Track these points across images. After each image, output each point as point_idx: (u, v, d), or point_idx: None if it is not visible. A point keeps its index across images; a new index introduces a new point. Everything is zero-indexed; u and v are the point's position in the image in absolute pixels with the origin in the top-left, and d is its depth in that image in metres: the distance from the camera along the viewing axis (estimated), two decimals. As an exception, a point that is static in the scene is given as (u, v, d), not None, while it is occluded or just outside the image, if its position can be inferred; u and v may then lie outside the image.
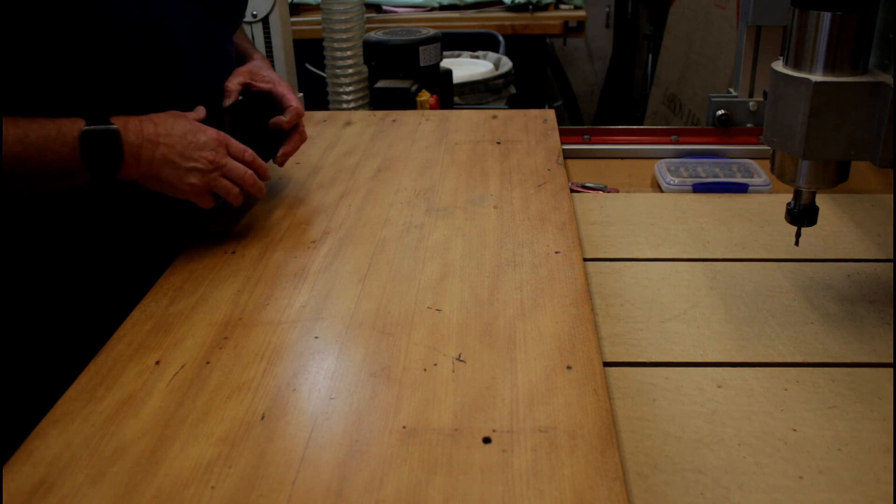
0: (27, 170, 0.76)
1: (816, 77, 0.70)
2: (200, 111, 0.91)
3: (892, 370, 0.73)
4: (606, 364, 0.75)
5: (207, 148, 0.85)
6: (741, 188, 1.13)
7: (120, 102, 0.85)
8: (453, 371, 0.68)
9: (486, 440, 0.59)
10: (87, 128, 0.78)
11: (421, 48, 1.55)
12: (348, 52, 1.62)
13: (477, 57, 2.07)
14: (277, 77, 1.04)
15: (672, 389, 0.71)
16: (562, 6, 2.76)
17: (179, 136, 0.84)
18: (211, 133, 0.86)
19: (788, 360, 0.75)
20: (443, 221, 0.96)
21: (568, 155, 1.31)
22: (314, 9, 2.65)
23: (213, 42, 0.97)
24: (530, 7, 2.64)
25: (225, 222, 0.98)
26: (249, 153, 0.90)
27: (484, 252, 0.88)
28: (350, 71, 1.63)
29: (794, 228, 0.83)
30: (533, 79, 2.63)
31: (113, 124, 0.79)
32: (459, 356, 0.70)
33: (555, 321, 0.75)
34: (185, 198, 0.87)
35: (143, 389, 0.67)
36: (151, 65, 0.87)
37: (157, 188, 0.85)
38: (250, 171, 0.90)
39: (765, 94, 1.04)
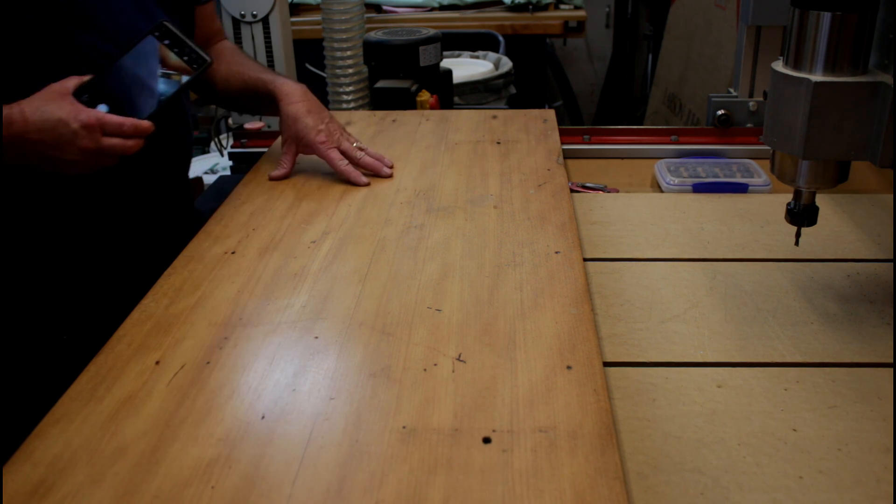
0: None
1: (816, 77, 0.70)
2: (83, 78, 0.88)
3: (892, 370, 0.73)
4: (606, 364, 0.75)
5: (79, 137, 0.84)
6: (741, 188, 1.13)
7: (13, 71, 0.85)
8: (453, 371, 0.68)
9: (486, 440, 0.59)
10: None
11: (421, 48, 1.55)
12: (348, 52, 1.61)
13: (477, 57, 2.07)
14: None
15: (672, 389, 0.71)
16: (562, 6, 2.76)
17: (49, 130, 0.83)
18: (83, 117, 0.84)
19: (788, 360, 0.75)
20: (443, 221, 0.96)
21: (568, 155, 1.31)
22: (314, 9, 2.65)
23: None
24: (530, 7, 2.64)
25: None
26: (129, 125, 0.87)
27: (484, 252, 0.88)
28: (350, 71, 1.63)
29: (794, 228, 0.83)
30: (533, 79, 2.63)
31: None
32: (459, 356, 0.70)
33: (555, 321, 0.75)
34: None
35: (143, 389, 0.67)
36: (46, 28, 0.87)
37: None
38: (131, 142, 0.88)
39: (765, 94, 1.04)
